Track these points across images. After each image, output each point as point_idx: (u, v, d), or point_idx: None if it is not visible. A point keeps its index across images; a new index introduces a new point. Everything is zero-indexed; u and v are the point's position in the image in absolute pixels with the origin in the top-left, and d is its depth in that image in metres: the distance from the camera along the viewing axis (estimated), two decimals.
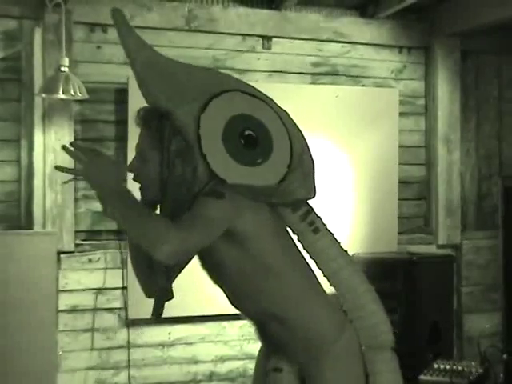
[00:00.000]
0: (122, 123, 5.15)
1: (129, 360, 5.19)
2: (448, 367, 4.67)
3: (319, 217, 2.79)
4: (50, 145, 4.95)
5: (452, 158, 6.03)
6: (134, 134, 5.11)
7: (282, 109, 2.80)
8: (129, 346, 5.22)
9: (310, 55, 5.73)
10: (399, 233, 5.82)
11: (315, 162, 2.79)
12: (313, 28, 5.69)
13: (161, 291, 2.68)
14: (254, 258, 2.57)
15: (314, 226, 2.75)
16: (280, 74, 5.59)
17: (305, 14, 5.69)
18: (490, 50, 6.23)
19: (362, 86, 5.86)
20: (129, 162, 2.65)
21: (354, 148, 5.63)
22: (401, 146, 5.87)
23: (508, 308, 5.49)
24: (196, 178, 2.53)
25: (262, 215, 2.59)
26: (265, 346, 2.87)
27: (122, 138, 5.15)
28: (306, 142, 2.78)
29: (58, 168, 2.59)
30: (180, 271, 2.70)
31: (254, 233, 2.55)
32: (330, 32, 5.74)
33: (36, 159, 4.96)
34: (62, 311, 4.96)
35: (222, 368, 5.47)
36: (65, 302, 4.95)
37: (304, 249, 2.77)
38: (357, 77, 5.87)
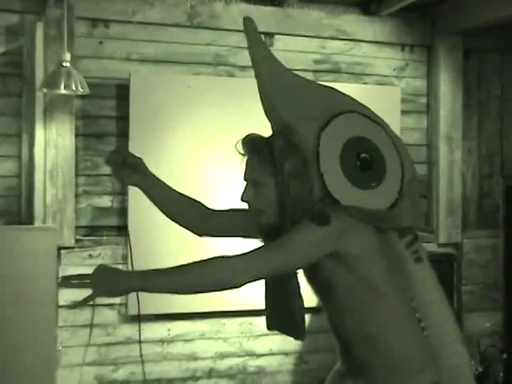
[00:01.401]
0: (123, 119, 5.15)
1: (141, 355, 5.17)
2: None
3: (423, 247, 2.79)
4: (51, 140, 4.95)
5: (453, 157, 6.02)
6: (135, 130, 5.16)
7: (395, 134, 2.82)
8: (139, 341, 5.23)
9: (313, 52, 5.72)
10: None
11: (421, 190, 2.80)
12: (315, 25, 5.69)
13: (302, 311, 2.69)
14: (360, 277, 2.55)
15: (417, 254, 2.75)
16: None
17: (307, 11, 5.69)
18: (492, 49, 6.22)
19: (364, 83, 5.85)
20: (241, 194, 2.62)
21: None
22: None
23: (508, 307, 5.49)
24: (312, 197, 2.53)
25: (369, 238, 2.57)
26: (345, 367, 2.81)
27: (123, 134, 5.15)
28: (415, 170, 2.80)
29: (65, 284, 2.54)
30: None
31: (360, 255, 2.53)
32: (332, 29, 5.73)
33: (37, 154, 4.96)
34: (61, 307, 4.96)
35: (222, 365, 5.47)
36: (65, 297, 4.94)
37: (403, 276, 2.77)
38: (359, 74, 5.86)
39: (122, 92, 5.18)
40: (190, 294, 2.46)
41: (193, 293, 2.44)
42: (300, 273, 2.64)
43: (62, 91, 4.65)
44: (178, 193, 2.95)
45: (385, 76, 5.94)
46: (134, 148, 5.08)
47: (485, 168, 6.27)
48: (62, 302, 4.94)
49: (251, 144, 2.59)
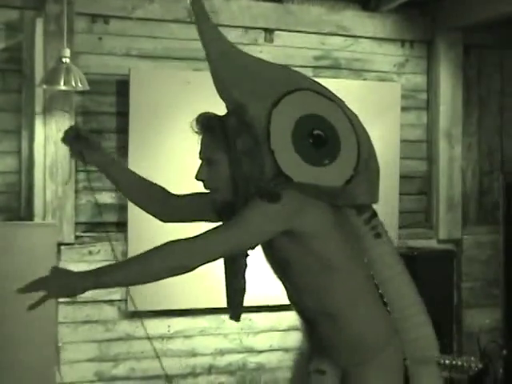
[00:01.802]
0: (123, 115, 5.15)
1: (155, 350, 5.13)
2: (448, 362, 4.67)
3: (381, 223, 2.79)
4: (51, 136, 4.94)
5: (453, 153, 6.02)
6: (134, 126, 5.15)
7: (352, 112, 2.82)
8: (149, 338, 5.22)
9: (312, 48, 5.71)
10: (400, 227, 5.81)
11: (380, 169, 2.80)
12: (315, 21, 5.68)
13: (241, 293, 2.68)
14: (317, 255, 2.55)
15: (376, 230, 2.76)
16: None
17: (307, 6, 5.68)
18: (492, 45, 6.21)
19: (364, 79, 5.85)
20: (196, 173, 2.61)
21: None
22: (402, 141, 5.85)
23: (508, 304, 5.49)
24: (263, 175, 2.52)
25: (323, 215, 2.57)
26: (310, 346, 2.83)
27: (122, 130, 5.14)
28: (372, 147, 2.81)
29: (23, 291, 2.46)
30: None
31: (315, 233, 2.53)
32: (332, 25, 5.73)
33: (37, 150, 4.96)
34: (61, 303, 4.95)
35: (221, 361, 5.47)
36: None
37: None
38: (359, 70, 5.86)
39: (121, 88, 5.17)
40: (148, 282, 2.45)
41: (151, 280, 2.44)
42: (250, 253, 2.63)
43: (62, 87, 4.64)
44: (138, 175, 2.95)
45: (385, 72, 5.94)
46: (134, 144, 5.08)
47: (485, 164, 6.27)
48: (61, 299, 4.94)
49: (205, 122, 2.60)
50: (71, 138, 2.82)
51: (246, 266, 2.63)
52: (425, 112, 6.09)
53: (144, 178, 2.93)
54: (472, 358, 4.80)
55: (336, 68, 5.79)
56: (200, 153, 2.62)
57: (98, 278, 2.34)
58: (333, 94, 2.82)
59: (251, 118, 2.55)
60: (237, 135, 2.52)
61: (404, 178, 5.88)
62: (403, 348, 2.71)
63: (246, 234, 2.45)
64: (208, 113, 2.62)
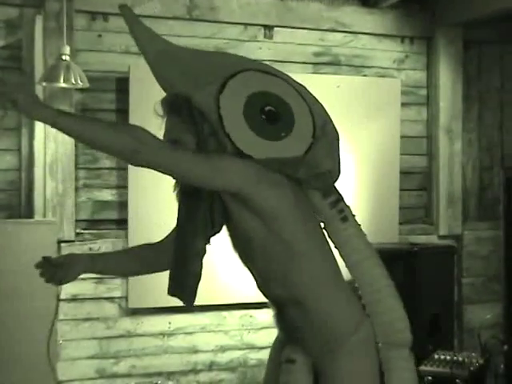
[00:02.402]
0: (123, 112, 5.14)
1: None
2: (448, 358, 4.68)
3: (348, 206, 2.76)
4: (51, 133, 4.94)
5: (454, 149, 6.02)
6: (135, 123, 5.12)
7: (299, 83, 2.81)
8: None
9: (312, 45, 5.71)
10: (400, 223, 5.81)
11: (339, 133, 2.78)
12: (315, 17, 5.68)
13: (196, 277, 2.65)
14: (279, 236, 2.54)
15: (342, 214, 2.73)
16: (281, 64, 5.56)
17: (307, 3, 5.67)
18: (492, 40, 6.21)
19: (364, 75, 5.85)
20: None
21: (355, 138, 5.61)
22: (402, 137, 5.86)
23: (509, 299, 5.49)
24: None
25: (284, 194, 2.56)
26: (281, 334, 2.84)
27: None
28: (327, 113, 2.79)
29: None
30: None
31: (278, 211, 2.53)
32: (331, 21, 5.72)
33: (37, 148, 4.96)
34: (62, 300, 4.96)
35: (222, 358, 5.47)
36: (65, 291, 4.94)
37: (329, 236, 2.74)
38: (359, 67, 5.85)
39: (121, 85, 5.17)
40: (95, 146, 2.45)
41: (98, 147, 2.44)
42: (211, 241, 2.63)
43: (62, 84, 4.64)
44: (120, 252, 3.00)
45: (385, 68, 5.93)
46: None
47: (485, 160, 6.27)
48: (62, 296, 4.94)
49: (170, 104, 2.62)
50: (49, 271, 2.70)
51: (204, 251, 2.61)
52: (425, 108, 6.09)
53: (125, 251, 2.97)
54: (473, 354, 4.80)
55: (336, 64, 5.79)
56: (165, 135, 2.63)
57: (59, 115, 2.28)
58: (276, 70, 2.83)
59: (200, 106, 2.55)
60: (203, 119, 2.54)
61: (404, 173, 5.89)
62: (375, 332, 2.69)
63: (210, 171, 2.44)
64: (173, 94, 2.65)
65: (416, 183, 6.07)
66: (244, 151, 2.51)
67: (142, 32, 2.77)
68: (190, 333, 5.39)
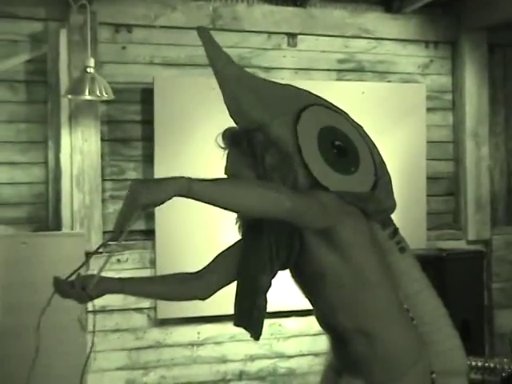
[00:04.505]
0: (148, 123, 5.16)
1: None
2: (480, 364, 4.64)
3: (403, 238, 2.80)
4: (77, 146, 4.97)
5: (480, 153, 5.98)
6: (160, 133, 5.17)
7: (356, 123, 2.87)
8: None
9: (336, 52, 5.70)
10: (428, 229, 5.78)
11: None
12: (338, 24, 5.67)
13: (261, 312, 2.65)
14: (354, 267, 2.54)
15: (400, 245, 2.77)
16: (306, 72, 5.58)
17: (330, 10, 5.67)
18: None
19: (389, 81, 5.83)
20: None
21: (381, 144, 5.49)
22: (428, 142, 5.82)
23: None
24: (297, 189, 2.52)
25: (360, 223, 2.59)
26: (339, 363, 2.79)
27: (148, 138, 5.16)
28: (380, 153, 2.86)
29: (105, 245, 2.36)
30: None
31: (354, 240, 2.53)
32: (355, 28, 5.72)
33: (63, 160, 4.98)
34: (91, 312, 4.97)
35: (252, 367, 5.46)
36: (94, 302, 4.94)
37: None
38: (383, 73, 5.84)
39: (146, 96, 5.19)
40: (238, 210, 2.35)
41: (242, 209, 2.32)
42: (278, 275, 2.62)
43: (87, 97, 4.66)
44: (156, 279, 3.02)
45: (409, 73, 5.91)
46: (160, 151, 5.09)
47: None
48: (91, 307, 4.95)
49: (231, 137, 2.59)
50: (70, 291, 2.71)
51: (269, 286, 2.61)
52: (450, 112, 6.06)
53: (161, 278, 2.97)
54: (504, 360, 4.76)
55: (360, 71, 5.78)
56: (226, 169, 2.61)
57: (191, 183, 2.12)
58: (336, 106, 2.87)
59: (276, 136, 2.56)
60: (265, 150, 2.51)
61: (431, 179, 5.85)
62: (431, 361, 2.69)
63: (311, 201, 2.41)
64: (234, 127, 2.64)
65: (443, 188, 6.03)
66: (321, 182, 2.54)
67: (219, 56, 2.80)
68: (220, 342, 5.38)
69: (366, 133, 2.87)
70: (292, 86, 2.92)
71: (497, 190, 6.15)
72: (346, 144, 2.69)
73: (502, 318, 6.00)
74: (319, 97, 2.88)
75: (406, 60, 5.90)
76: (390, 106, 5.66)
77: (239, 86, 2.72)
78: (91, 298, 2.71)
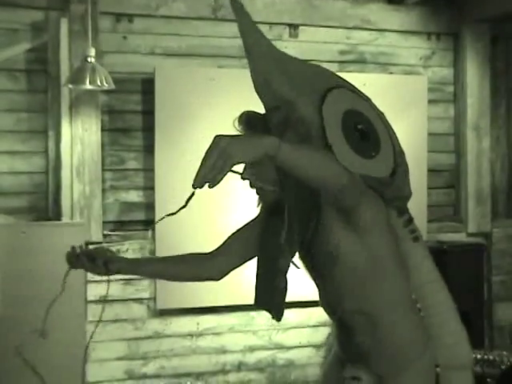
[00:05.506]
0: (148, 113, 5.15)
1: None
2: (479, 357, 4.64)
3: (418, 228, 2.78)
4: (78, 135, 4.96)
5: (482, 146, 5.97)
6: (160, 124, 5.16)
7: (379, 110, 2.84)
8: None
9: (338, 43, 5.69)
10: (428, 221, 5.77)
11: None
12: (340, 15, 5.66)
13: (281, 294, 2.63)
14: (370, 251, 2.51)
15: (414, 234, 2.75)
16: None
17: (332, 1, 5.65)
18: None
19: (390, 73, 5.82)
20: (241, 172, 2.44)
21: None
22: (430, 134, 5.81)
23: None
24: None
25: (380, 207, 2.57)
26: (344, 353, 2.77)
27: (149, 129, 5.15)
28: (399, 142, 2.83)
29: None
30: None
31: (374, 223, 2.51)
32: (357, 19, 5.70)
33: (63, 150, 4.97)
34: (90, 302, 4.97)
35: (251, 358, 5.47)
36: (93, 292, 4.95)
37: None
38: (385, 64, 5.82)
39: (146, 86, 5.18)
40: (313, 177, 2.22)
41: (313, 178, 2.23)
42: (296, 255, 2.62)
43: (88, 87, 4.65)
44: (168, 259, 2.97)
45: (411, 65, 5.90)
46: (160, 142, 5.08)
47: None
48: (90, 297, 4.96)
49: (247, 121, 2.57)
50: (87, 262, 2.72)
51: (288, 267, 2.59)
52: (452, 105, 6.04)
53: (174, 257, 2.96)
54: (504, 353, 4.76)
55: (362, 62, 5.76)
56: None
57: (282, 144, 2.04)
58: (361, 91, 2.84)
59: (302, 114, 2.54)
60: (280, 133, 2.45)
61: (432, 171, 5.84)
62: (436, 354, 2.68)
63: (353, 182, 2.35)
64: (250, 111, 2.61)
65: (444, 181, 6.03)
66: (342, 164, 2.44)
67: (250, 29, 2.77)
68: (219, 333, 5.38)
69: (387, 121, 2.83)
70: (319, 66, 2.91)
71: (497, 182, 6.14)
72: (368, 128, 2.66)
73: (502, 311, 6.00)
74: (345, 80, 2.85)
75: (407, 52, 5.89)
76: (392, 98, 5.64)
77: (269, 61, 2.68)
78: (108, 274, 2.72)
